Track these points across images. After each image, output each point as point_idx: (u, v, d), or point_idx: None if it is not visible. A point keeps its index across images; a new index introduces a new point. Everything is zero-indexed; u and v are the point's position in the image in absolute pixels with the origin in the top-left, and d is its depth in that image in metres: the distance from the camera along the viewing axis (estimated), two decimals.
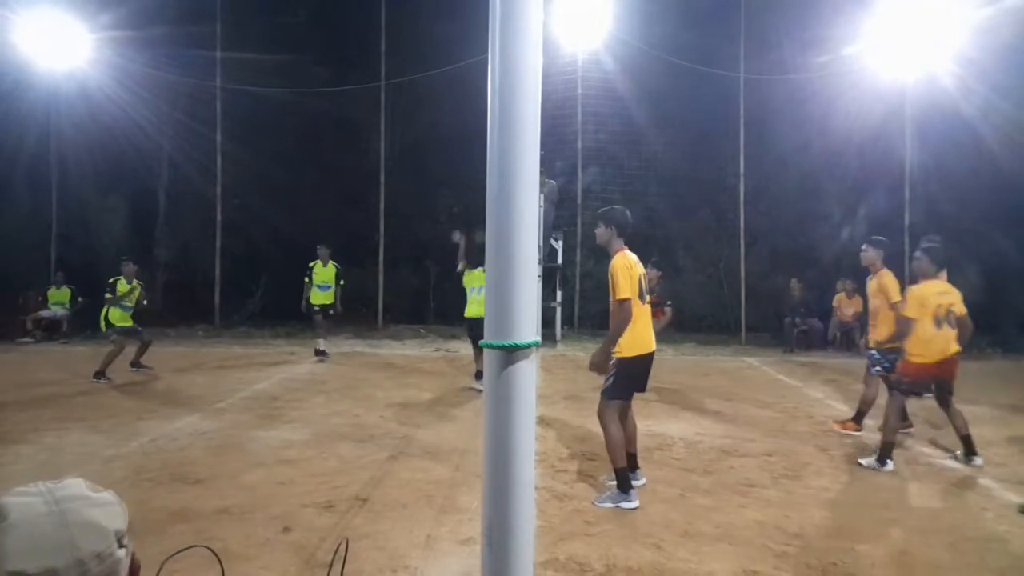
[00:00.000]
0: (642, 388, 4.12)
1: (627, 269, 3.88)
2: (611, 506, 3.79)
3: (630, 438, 4.18)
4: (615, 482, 3.91)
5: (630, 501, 3.81)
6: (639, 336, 3.95)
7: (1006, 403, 6.97)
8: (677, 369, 9.25)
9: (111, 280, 7.93)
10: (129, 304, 7.92)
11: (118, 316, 7.84)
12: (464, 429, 5.56)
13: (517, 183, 1.28)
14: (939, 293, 4.71)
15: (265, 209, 13.17)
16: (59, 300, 11.69)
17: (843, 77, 12.38)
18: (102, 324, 7.93)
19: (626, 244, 4.06)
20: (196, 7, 13.14)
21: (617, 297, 3.83)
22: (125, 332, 7.90)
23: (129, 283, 7.94)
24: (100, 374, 7.49)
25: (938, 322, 4.64)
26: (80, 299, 7.98)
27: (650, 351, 4.04)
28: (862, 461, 4.67)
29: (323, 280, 9.40)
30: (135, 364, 8.05)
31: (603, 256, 13.79)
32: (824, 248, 12.82)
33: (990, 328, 11.38)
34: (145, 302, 8.23)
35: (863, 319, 11.22)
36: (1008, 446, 5.26)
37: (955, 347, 4.73)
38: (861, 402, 5.65)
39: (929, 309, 4.64)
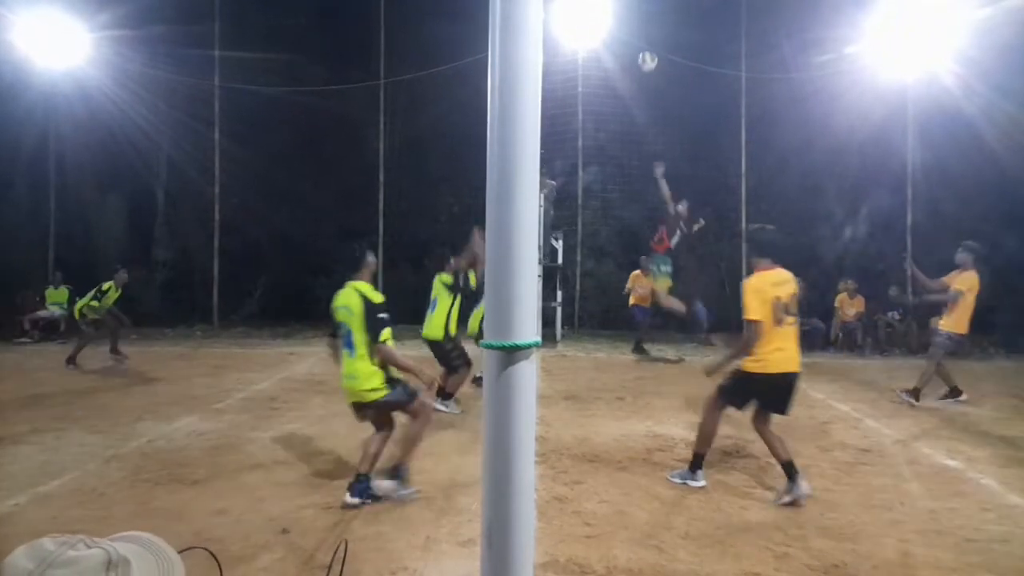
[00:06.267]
0: None
1: None
2: (679, 481, 4.22)
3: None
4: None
5: (696, 480, 4.21)
6: None
7: (1008, 403, 6.96)
8: (679, 370, 9.24)
9: (105, 287, 8.73)
10: (107, 305, 8.86)
11: (92, 310, 8.74)
12: (464, 430, 5.55)
13: (517, 183, 1.27)
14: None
15: (264, 209, 13.15)
16: (57, 300, 11.66)
17: (844, 76, 12.36)
18: (77, 315, 8.87)
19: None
20: (194, 6, 13.11)
21: None
22: (94, 324, 8.79)
23: (118, 290, 8.94)
24: (71, 360, 8.47)
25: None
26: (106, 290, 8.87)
27: None
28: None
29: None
30: (114, 351, 8.95)
31: (603, 256, 13.87)
32: (826, 248, 12.81)
33: (991, 328, 11.37)
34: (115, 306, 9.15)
35: (865, 319, 11.26)
36: (1010, 446, 5.24)
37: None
38: None
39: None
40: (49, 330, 11.56)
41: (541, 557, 3.10)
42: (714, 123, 13.50)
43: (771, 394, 4.01)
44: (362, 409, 3.92)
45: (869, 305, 11.21)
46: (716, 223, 13.74)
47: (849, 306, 11.24)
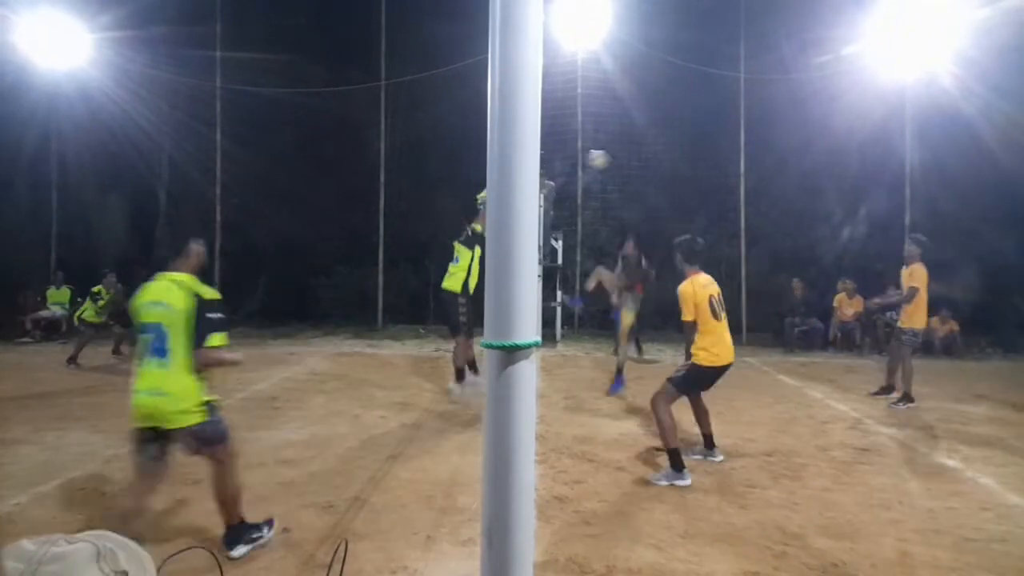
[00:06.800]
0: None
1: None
2: (666, 483, 4.20)
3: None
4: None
5: (683, 479, 4.22)
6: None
7: (1007, 403, 6.97)
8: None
9: (95, 289, 9.38)
10: (103, 307, 9.42)
11: (91, 314, 9.30)
12: (464, 429, 5.55)
13: (517, 183, 1.28)
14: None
15: (265, 209, 13.16)
16: (58, 300, 11.68)
17: (843, 77, 12.38)
18: (76, 320, 9.47)
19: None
20: (196, 7, 13.14)
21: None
22: (95, 327, 9.34)
23: (108, 292, 9.45)
24: (72, 360, 8.65)
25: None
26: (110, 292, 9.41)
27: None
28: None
29: None
30: (116, 352, 9.48)
31: (603, 256, 13.86)
32: (824, 248, 12.83)
33: (990, 328, 11.38)
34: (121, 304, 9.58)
35: (863, 319, 11.28)
36: (1008, 446, 5.25)
37: None
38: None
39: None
40: (51, 330, 11.57)
41: (541, 556, 3.11)
42: (713, 124, 13.51)
43: (714, 381, 4.62)
44: (159, 438, 3.09)
45: (867, 305, 11.23)
46: (715, 224, 13.78)
47: (848, 306, 11.25)
